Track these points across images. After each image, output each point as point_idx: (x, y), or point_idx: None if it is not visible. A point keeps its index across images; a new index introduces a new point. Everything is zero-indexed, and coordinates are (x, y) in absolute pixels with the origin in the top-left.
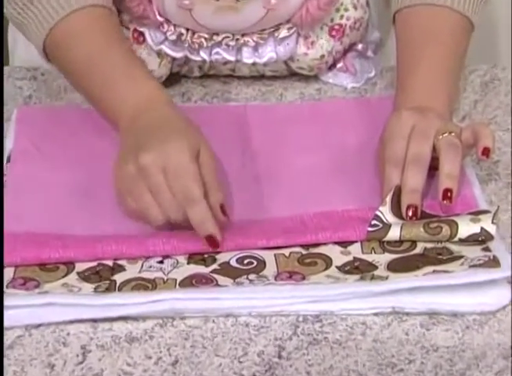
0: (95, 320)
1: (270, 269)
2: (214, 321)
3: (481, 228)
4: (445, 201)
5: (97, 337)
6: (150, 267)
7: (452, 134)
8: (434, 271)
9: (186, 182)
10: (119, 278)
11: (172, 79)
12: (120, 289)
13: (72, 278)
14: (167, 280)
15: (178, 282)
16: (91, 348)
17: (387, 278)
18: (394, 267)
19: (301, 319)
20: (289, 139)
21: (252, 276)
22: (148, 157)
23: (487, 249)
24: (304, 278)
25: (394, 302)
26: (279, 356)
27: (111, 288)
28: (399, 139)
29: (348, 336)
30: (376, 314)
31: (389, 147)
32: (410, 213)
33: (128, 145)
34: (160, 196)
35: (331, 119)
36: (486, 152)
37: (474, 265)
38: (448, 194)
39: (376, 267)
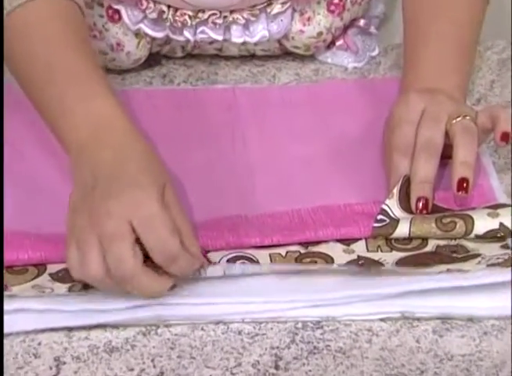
0: (69, 329)
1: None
2: (203, 329)
3: (500, 223)
4: (460, 192)
5: (72, 347)
6: None
7: (467, 118)
8: (448, 270)
9: (162, 234)
10: None
11: (151, 59)
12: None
13: (43, 280)
14: None
15: None
16: (66, 359)
17: (394, 274)
18: (403, 266)
19: (299, 325)
20: (283, 126)
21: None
22: (109, 205)
23: (506, 246)
24: None
25: (404, 306)
26: (276, 367)
27: (87, 287)
28: (408, 124)
29: (353, 344)
30: (383, 319)
31: (396, 134)
32: (420, 206)
33: (83, 183)
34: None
35: (330, 103)
36: (505, 137)
37: (492, 264)
38: (464, 184)
39: (382, 265)
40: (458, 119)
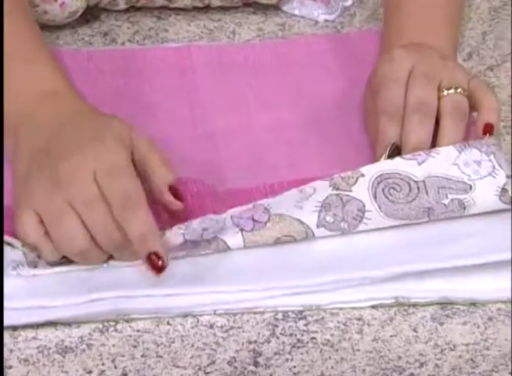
0: (14, 328)
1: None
2: (169, 323)
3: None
4: None
5: (18, 348)
6: None
7: (459, 90)
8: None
9: (126, 184)
10: None
11: (90, 14)
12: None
13: None
14: None
15: None
16: (12, 362)
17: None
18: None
19: (279, 316)
20: (248, 90)
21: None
22: (71, 162)
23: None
24: None
25: (397, 291)
26: (256, 364)
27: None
28: (395, 84)
29: (342, 335)
30: (374, 307)
31: (382, 95)
32: None
33: (30, 152)
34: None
35: (300, 63)
36: (489, 129)
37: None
38: None
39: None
40: (450, 91)
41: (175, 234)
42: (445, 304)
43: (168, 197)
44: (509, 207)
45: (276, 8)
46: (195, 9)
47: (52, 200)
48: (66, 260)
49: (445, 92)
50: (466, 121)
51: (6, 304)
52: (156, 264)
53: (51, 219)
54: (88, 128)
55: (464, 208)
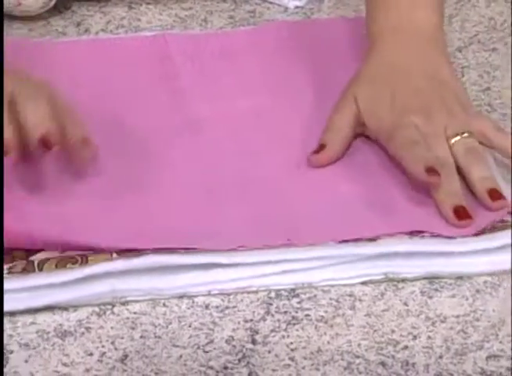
0: (12, 313)
1: None
2: (164, 305)
3: None
4: (495, 203)
5: (18, 333)
6: None
7: (464, 135)
8: None
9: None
10: (37, 258)
11: (61, 5)
12: (40, 268)
13: None
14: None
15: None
16: (13, 347)
17: None
18: None
19: (273, 295)
20: (226, 77)
21: None
22: None
23: None
24: None
25: (387, 267)
26: (253, 342)
27: (29, 268)
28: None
29: (335, 311)
30: (364, 283)
31: (405, 158)
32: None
33: None
34: None
35: (272, 50)
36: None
37: None
38: (497, 195)
39: None
40: (456, 139)
41: None
42: (432, 278)
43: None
44: None
45: None
46: None
47: None
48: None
49: (453, 141)
50: (484, 158)
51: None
52: None
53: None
54: None
55: None
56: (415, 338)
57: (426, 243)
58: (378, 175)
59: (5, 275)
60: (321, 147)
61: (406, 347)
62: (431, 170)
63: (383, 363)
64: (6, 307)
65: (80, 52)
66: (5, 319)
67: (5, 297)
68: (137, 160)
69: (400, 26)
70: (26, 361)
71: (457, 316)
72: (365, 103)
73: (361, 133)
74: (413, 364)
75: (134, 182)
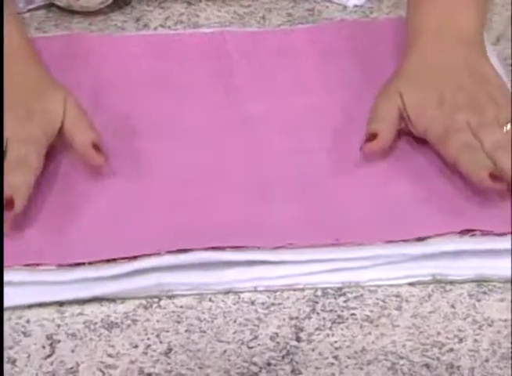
0: (60, 303)
1: None
2: (211, 300)
3: None
4: None
5: (66, 323)
6: None
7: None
8: None
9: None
10: None
11: (121, 0)
12: (90, 262)
13: None
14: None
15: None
16: (60, 337)
17: None
18: None
19: (319, 293)
20: (283, 75)
21: None
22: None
23: None
24: None
25: (435, 268)
26: (298, 339)
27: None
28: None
29: (381, 311)
30: (412, 284)
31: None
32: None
33: None
34: None
35: (331, 47)
36: None
37: None
38: None
39: None
40: (508, 126)
41: None
42: (481, 281)
43: (91, 155)
44: None
45: None
46: None
47: None
48: None
49: (505, 129)
50: None
51: (48, 277)
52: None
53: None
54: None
55: None
56: (461, 340)
57: (476, 241)
58: (427, 174)
59: (53, 267)
60: (373, 136)
61: (452, 350)
62: (496, 177)
63: (427, 365)
64: (55, 297)
65: (138, 46)
66: (53, 309)
67: (55, 287)
68: (190, 155)
69: (441, 28)
70: (72, 351)
71: (505, 320)
72: (411, 99)
73: (402, 129)
74: (458, 367)
75: (185, 178)
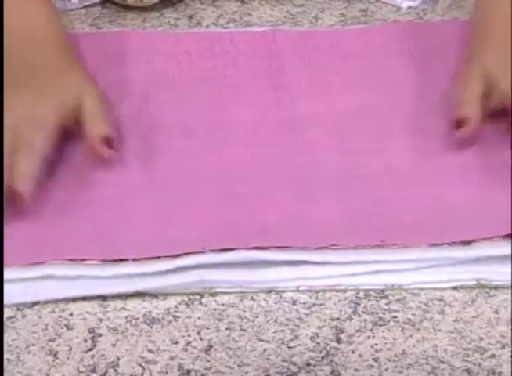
0: (103, 298)
1: None
2: (252, 298)
3: None
4: None
5: (108, 318)
6: None
7: None
8: None
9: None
10: None
11: None
12: (134, 258)
13: None
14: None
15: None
16: (102, 331)
17: None
18: None
19: (361, 294)
20: (333, 74)
21: None
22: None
23: None
24: None
25: (479, 273)
26: (338, 340)
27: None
28: None
29: (423, 315)
30: (455, 288)
31: None
32: None
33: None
34: None
35: (384, 48)
36: None
37: None
38: None
39: None
40: None
41: None
42: None
43: (101, 149)
44: None
45: None
46: None
47: None
48: None
49: None
50: None
51: (92, 272)
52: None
53: None
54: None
55: None
56: (503, 346)
57: None
58: (475, 177)
59: (96, 262)
60: (463, 122)
61: (494, 355)
62: None
63: (468, 371)
64: (98, 291)
65: (189, 44)
66: (96, 303)
67: (97, 282)
68: (237, 153)
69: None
70: (113, 345)
71: None
72: (497, 68)
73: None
74: (500, 373)
75: (232, 175)
